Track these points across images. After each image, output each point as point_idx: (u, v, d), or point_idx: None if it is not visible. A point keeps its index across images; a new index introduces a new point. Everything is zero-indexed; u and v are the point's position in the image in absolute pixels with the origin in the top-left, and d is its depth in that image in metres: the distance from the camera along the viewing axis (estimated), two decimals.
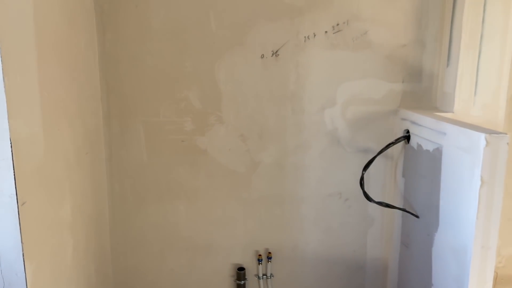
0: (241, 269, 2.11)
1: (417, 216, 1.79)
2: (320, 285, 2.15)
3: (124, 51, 1.90)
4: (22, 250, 1.18)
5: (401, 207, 1.91)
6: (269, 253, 2.10)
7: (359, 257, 2.12)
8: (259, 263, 2.10)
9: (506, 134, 1.33)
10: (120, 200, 2.04)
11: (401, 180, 1.95)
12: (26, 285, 1.21)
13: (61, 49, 1.49)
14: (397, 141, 1.87)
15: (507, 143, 1.32)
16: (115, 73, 1.92)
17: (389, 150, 1.89)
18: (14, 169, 1.12)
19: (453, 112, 1.83)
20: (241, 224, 2.08)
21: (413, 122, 1.80)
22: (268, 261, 2.10)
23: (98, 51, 1.87)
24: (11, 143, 1.11)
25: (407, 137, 1.85)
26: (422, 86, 1.95)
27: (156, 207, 2.05)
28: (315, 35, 1.90)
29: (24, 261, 1.19)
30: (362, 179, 1.81)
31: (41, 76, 1.31)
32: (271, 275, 2.12)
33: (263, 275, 2.12)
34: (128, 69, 1.92)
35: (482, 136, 1.32)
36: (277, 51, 1.91)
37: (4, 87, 1.08)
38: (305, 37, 1.90)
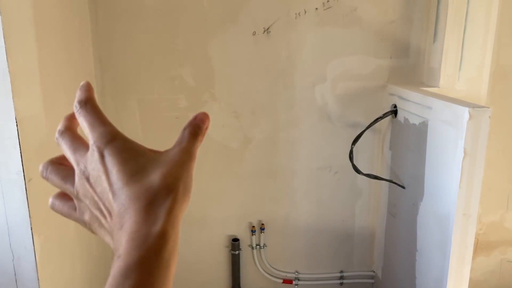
0: (235, 240, 2.20)
1: (403, 187, 1.88)
2: (310, 253, 2.25)
3: (117, 29, 1.91)
4: (31, 224, 1.23)
5: (388, 178, 2.00)
6: (262, 224, 2.19)
7: (348, 226, 2.23)
8: (252, 234, 2.19)
9: (488, 108, 1.40)
10: None
11: (388, 153, 2.04)
12: (35, 257, 1.27)
13: (56, 28, 1.51)
14: (384, 115, 1.94)
15: (489, 117, 1.40)
16: (109, 51, 1.93)
17: (377, 124, 1.96)
18: (20, 147, 1.16)
19: (438, 87, 1.90)
20: (235, 197, 2.16)
21: (400, 97, 1.87)
22: (261, 232, 2.19)
23: (91, 30, 1.88)
24: (16, 122, 1.15)
25: (394, 112, 1.93)
26: (409, 62, 2.01)
27: None
28: (305, 12, 1.94)
29: (32, 234, 1.25)
30: (351, 152, 1.89)
31: (40, 56, 1.34)
32: (264, 245, 2.22)
33: (257, 245, 2.22)
34: (122, 47, 1.93)
35: (465, 110, 1.39)
36: (268, 28, 1.94)
37: (8, 66, 1.11)
38: (296, 14, 1.93)
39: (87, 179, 0.40)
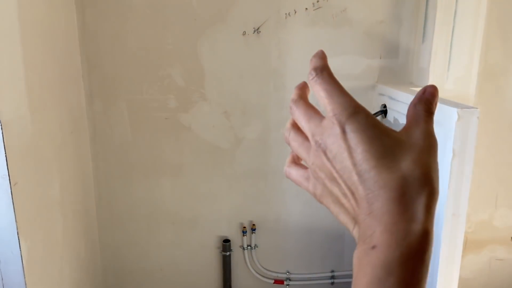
0: (226, 241, 2.19)
1: None
2: (302, 253, 2.25)
3: (105, 28, 1.89)
4: (17, 229, 1.21)
5: None
6: (253, 225, 2.18)
7: (339, 226, 2.23)
8: (243, 235, 2.18)
9: (477, 108, 1.41)
10: (106, 177, 2.07)
11: None
12: (22, 262, 1.25)
13: (42, 28, 1.48)
14: (374, 115, 1.93)
15: (478, 117, 1.40)
16: (96, 51, 1.91)
17: None
18: (5, 151, 1.14)
19: None
20: (226, 198, 2.15)
21: (390, 97, 1.88)
22: (252, 232, 2.19)
23: (78, 29, 1.85)
24: (1, 125, 1.13)
25: (384, 112, 1.93)
26: (398, 62, 2.02)
27: (142, 183, 2.09)
28: (295, 12, 1.93)
29: (19, 239, 1.22)
30: None
31: (25, 57, 1.31)
32: (255, 245, 2.21)
33: (248, 245, 2.21)
34: (109, 46, 1.91)
35: (454, 111, 1.40)
36: (258, 28, 1.93)
37: None
38: (286, 14, 1.93)
39: (324, 153, 0.38)
